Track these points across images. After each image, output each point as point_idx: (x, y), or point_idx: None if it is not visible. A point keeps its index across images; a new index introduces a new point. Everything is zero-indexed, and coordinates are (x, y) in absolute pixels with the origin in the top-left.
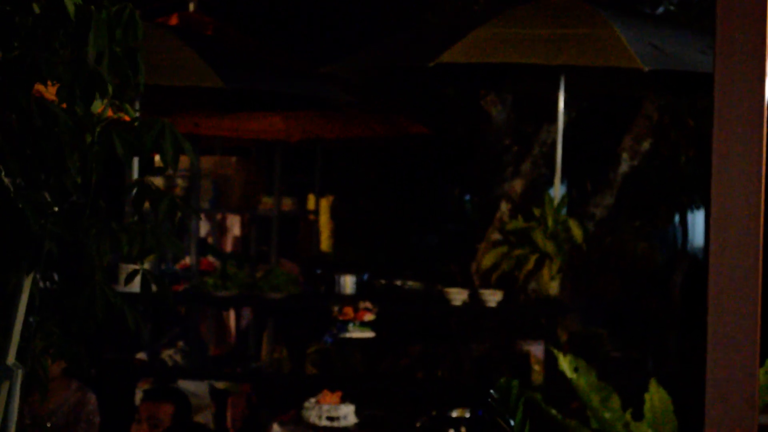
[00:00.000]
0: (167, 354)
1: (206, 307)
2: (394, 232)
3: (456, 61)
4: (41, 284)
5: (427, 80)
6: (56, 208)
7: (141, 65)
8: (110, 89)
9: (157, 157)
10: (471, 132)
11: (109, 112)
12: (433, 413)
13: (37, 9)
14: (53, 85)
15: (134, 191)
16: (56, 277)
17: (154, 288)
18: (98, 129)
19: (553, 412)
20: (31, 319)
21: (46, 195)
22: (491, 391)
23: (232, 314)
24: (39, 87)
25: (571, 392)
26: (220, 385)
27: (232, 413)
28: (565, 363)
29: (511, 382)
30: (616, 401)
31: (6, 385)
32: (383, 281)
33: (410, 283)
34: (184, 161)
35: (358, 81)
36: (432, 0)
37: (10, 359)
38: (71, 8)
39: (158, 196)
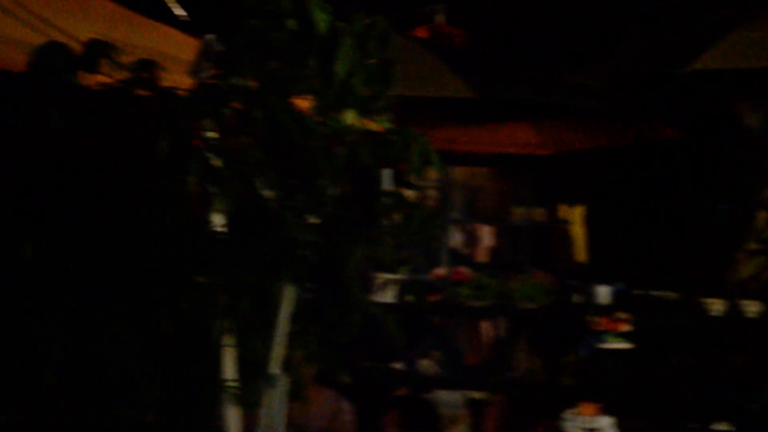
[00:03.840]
0: (423, 363)
1: (460, 317)
2: (648, 241)
3: (710, 68)
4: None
5: (679, 87)
6: (314, 219)
7: (392, 77)
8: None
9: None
10: (723, 139)
11: (365, 123)
12: (694, 426)
13: (292, 24)
14: (306, 98)
15: (388, 202)
16: (314, 287)
17: (409, 298)
18: (348, 139)
19: None
20: (291, 329)
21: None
22: (750, 404)
23: (486, 324)
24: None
25: None
26: (475, 394)
27: (488, 424)
28: None
29: None
30: None
31: (271, 393)
32: (640, 291)
33: (667, 293)
34: (436, 172)
35: (605, 88)
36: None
37: (274, 368)
38: (323, 25)
39: (412, 208)
